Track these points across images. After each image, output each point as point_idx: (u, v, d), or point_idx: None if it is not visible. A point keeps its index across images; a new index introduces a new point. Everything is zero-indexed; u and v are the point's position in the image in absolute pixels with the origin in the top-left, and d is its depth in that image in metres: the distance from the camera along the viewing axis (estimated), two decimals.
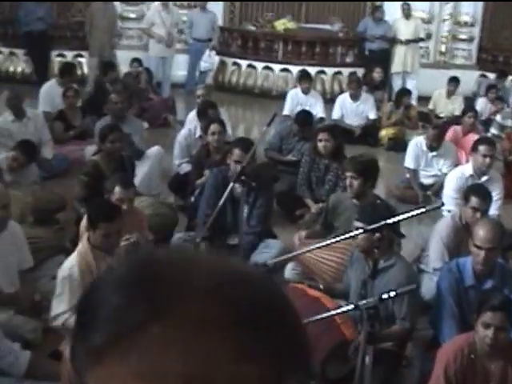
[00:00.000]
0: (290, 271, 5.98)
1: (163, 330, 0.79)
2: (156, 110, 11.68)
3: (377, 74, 12.78)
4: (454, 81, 12.64)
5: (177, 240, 6.25)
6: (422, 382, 4.50)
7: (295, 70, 14.40)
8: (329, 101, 12.47)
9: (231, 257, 0.93)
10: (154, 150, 8.31)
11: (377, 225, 3.86)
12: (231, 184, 5.13)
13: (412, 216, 3.71)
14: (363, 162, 6.09)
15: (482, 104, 12.32)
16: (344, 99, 11.43)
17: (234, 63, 15.15)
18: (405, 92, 11.86)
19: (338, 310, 3.79)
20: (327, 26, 15.56)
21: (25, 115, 8.49)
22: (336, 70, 14.88)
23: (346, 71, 14.85)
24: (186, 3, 15.07)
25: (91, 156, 7.15)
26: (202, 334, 0.79)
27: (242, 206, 5.28)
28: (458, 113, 11.98)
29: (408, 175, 8.78)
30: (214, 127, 7.45)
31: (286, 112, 11.12)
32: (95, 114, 9.73)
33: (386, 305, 4.52)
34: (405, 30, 14.18)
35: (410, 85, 13.89)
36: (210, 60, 14.05)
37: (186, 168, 8.09)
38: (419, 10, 15.22)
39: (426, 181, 8.67)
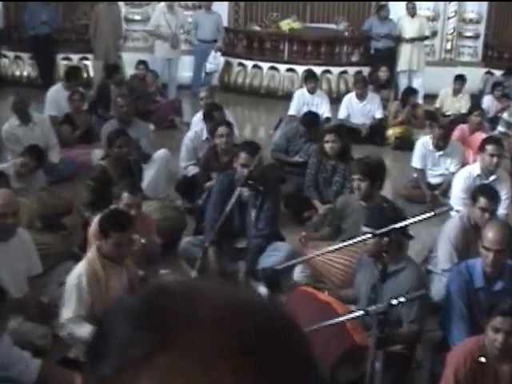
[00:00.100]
0: (298, 274, 5.97)
1: (169, 360, 0.80)
2: (162, 112, 11.69)
3: (382, 72, 12.78)
4: (460, 79, 12.61)
5: (185, 244, 6.24)
6: None
7: (301, 69, 14.40)
8: (335, 100, 12.47)
9: (238, 287, 0.94)
10: (160, 153, 8.31)
11: (385, 229, 3.85)
12: (238, 188, 5.13)
13: (421, 220, 3.70)
14: (370, 164, 6.09)
15: (488, 102, 12.29)
16: (350, 99, 11.42)
17: (240, 64, 15.15)
18: (411, 91, 11.84)
19: (348, 316, 3.78)
20: (332, 26, 15.58)
21: (31, 120, 8.50)
22: (342, 69, 14.86)
23: (351, 70, 14.84)
24: (190, 4, 15.07)
25: (98, 161, 7.15)
26: (207, 363, 0.79)
27: (250, 210, 5.27)
28: (464, 111, 11.97)
29: (415, 175, 8.77)
30: (221, 129, 7.45)
31: (292, 112, 11.11)
32: (99, 116, 9.76)
33: (395, 308, 4.50)
34: (410, 28, 14.16)
35: (415, 83, 13.87)
36: (215, 61, 14.05)
37: (192, 170, 8.09)
38: (424, 7, 15.22)
39: (434, 180, 8.65)
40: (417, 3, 14.32)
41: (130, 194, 5.51)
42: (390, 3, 14.67)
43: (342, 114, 11.35)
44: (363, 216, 5.40)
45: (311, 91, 11.23)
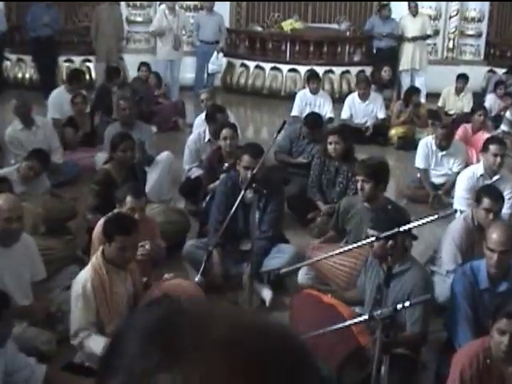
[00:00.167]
0: (303, 276, 5.96)
1: (173, 379, 0.81)
2: (165, 114, 11.70)
3: (385, 72, 12.78)
4: (463, 78, 12.60)
5: (189, 247, 6.24)
6: None
7: (303, 70, 14.42)
8: (337, 100, 12.49)
9: (249, 310, 0.94)
10: (163, 156, 8.32)
11: (389, 232, 3.85)
12: (242, 192, 5.12)
13: (425, 223, 3.70)
14: (374, 166, 6.08)
15: (490, 100, 12.28)
16: (353, 99, 11.40)
17: (242, 64, 15.16)
18: (414, 90, 11.82)
19: (354, 321, 3.78)
20: (334, 26, 15.58)
21: (34, 123, 8.50)
22: (344, 69, 14.86)
23: (354, 70, 14.85)
24: (192, 5, 15.08)
25: (102, 164, 7.14)
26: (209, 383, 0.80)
27: (254, 212, 5.26)
28: (467, 110, 11.96)
29: (419, 175, 8.77)
30: (225, 132, 7.44)
31: (294, 113, 11.12)
32: (101, 119, 9.78)
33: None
34: (412, 27, 14.15)
35: (418, 82, 13.88)
36: (217, 62, 14.04)
37: (196, 172, 8.09)
38: (426, 6, 15.21)
39: (437, 180, 8.65)
40: (419, 2, 14.32)
41: (134, 197, 5.50)
42: (392, 2, 14.66)
43: (344, 114, 11.34)
44: (368, 218, 5.40)
45: (314, 91, 11.22)
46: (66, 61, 14.52)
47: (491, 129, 10.67)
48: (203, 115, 8.92)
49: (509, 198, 6.81)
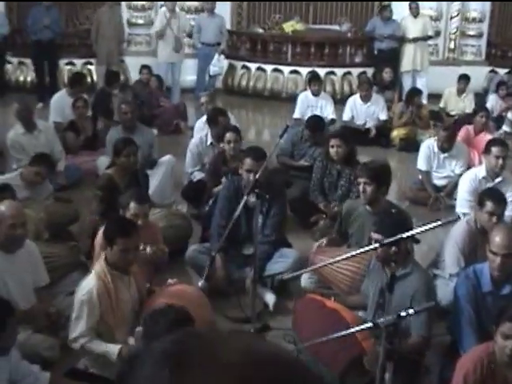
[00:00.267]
0: (306, 280, 5.97)
1: None
2: (167, 117, 11.69)
3: (386, 73, 12.78)
4: (464, 78, 12.60)
5: (192, 252, 6.24)
6: None
7: (305, 71, 14.42)
8: (339, 101, 12.49)
9: (262, 338, 0.96)
10: (166, 159, 8.33)
11: (393, 239, 3.85)
12: (245, 197, 5.12)
13: (428, 229, 3.70)
14: (376, 168, 6.08)
15: (492, 101, 12.29)
16: (354, 101, 11.41)
17: (243, 66, 15.16)
18: (415, 91, 11.81)
19: (357, 328, 3.78)
20: (335, 27, 15.57)
21: (36, 128, 8.49)
22: (345, 70, 14.85)
23: (355, 71, 14.85)
24: (193, 7, 15.08)
25: (105, 169, 7.14)
26: None
27: (257, 216, 5.26)
28: (469, 110, 11.98)
29: (421, 177, 8.77)
30: (229, 136, 7.44)
31: (296, 115, 11.13)
32: (102, 124, 9.79)
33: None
34: (413, 28, 14.14)
35: (419, 83, 13.88)
36: (219, 64, 14.03)
37: (198, 176, 8.10)
38: (427, 7, 15.19)
39: (439, 182, 8.65)
40: (420, 3, 14.30)
41: (137, 203, 5.52)
42: (393, 3, 14.68)
43: (346, 115, 11.35)
44: (370, 222, 5.41)
45: (315, 93, 11.23)
46: (67, 64, 14.52)
47: (493, 130, 10.67)
48: (204, 118, 8.93)
49: (511, 201, 6.80)
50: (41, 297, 5.11)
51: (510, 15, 16.40)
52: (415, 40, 14.14)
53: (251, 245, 5.71)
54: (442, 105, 12.80)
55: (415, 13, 14.14)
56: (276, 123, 12.96)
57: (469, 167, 8.31)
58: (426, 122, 11.35)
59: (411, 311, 3.28)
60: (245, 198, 5.10)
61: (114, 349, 4.51)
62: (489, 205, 5.58)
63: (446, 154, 8.56)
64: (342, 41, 15.18)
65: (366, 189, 5.93)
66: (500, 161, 7.17)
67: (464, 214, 6.58)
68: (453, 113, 12.57)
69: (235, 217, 5.15)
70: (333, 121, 11.02)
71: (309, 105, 11.16)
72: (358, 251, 4.09)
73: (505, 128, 11.47)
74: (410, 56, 14.16)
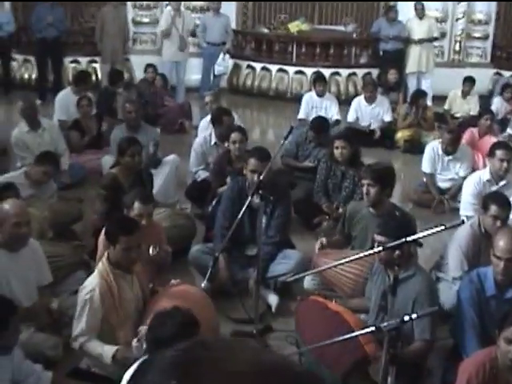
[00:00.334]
0: (309, 281, 5.97)
1: None
2: (172, 116, 11.69)
3: (391, 75, 12.75)
4: (469, 81, 12.57)
5: (195, 252, 6.24)
6: None
7: (309, 71, 14.41)
8: (344, 102, 12.47)
9: (271, 350, 0.97)
10: (170, 159, 8.33)
11: (396, 242, 3.85)
12: (249, 198, 5.12)
13: (432, 234, 3.69)
14: (380, 170, 6.08)
15: (497, 103, 12.27)
16: (359, 102, 11.39)
17: (249, 66, 15.15)
18: (420, 93, 11.79)
19: (360, 332, 3.77)
20: (341, 27, 15.54)
21: (40, 126, 8.50)
22: (350, 71, 14.84)
23: (360, 72, 14.84)
24: (198, 7, 15.08)
25: (109, 168, 7.13)
26: None
27: (260, 217, 5.26)
28: (473, 112, 11.97)
29: (425, 179, 8.76)
30: (234, 136, 7.44)
31: (301, 116, 11.12)
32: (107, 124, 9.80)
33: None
34: (419, 29, 14.12)
35: (424, 84, 13.86)
36: (224, 63, 14.02)
37: (202, 175, 8.10)
38: (433, 9, 15.15)
39: (443, 185, 8.65)
40: (425, 4, 14.27)
41: (142, 203, 5.52)
42: (399, 4, 14.67)
43: (350, 117, 11.34)
44: (374, 224, 5.40)
45: (320, 94, 11.21)
46: (72, 62, 14.53)
47: (498, 133, 10.65)
48: (208, 118, 8.93)
49: None
50: (44, 296, 5.11)
51: None
52: (421, 41, 14.12)
53: (255, 246, 5.71)
54: (446, 107, 12.78)
55: (421, 14, 14.11)
56: (280, 123, 12.96)
57: (473, 170, 8.31)
58: (430, 124, 11.34)
59: (414, 316, 3.27)
60: (249, 198, 5.10)
61: (108, 351, 4.51)
62: (493, 208, 5.57)
63: (450, 157, 8.55)
64: (348, 41, 15.15)
65: (369, 191, 5.91)
66: (504, 164, 7.16)
67: (468, 217, 6.56)
68: (457, 115, 12.56)
69: (239, 218, 5.15)
70: (337, 122, 10.99)
71: (313, 105, 11.15)
72: (362, 254, 4.08)
73: (509, 131, 11.43)
74: (415, 57, 14.15)
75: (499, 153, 7.22)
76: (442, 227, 3.65)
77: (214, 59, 13.83)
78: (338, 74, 14.69)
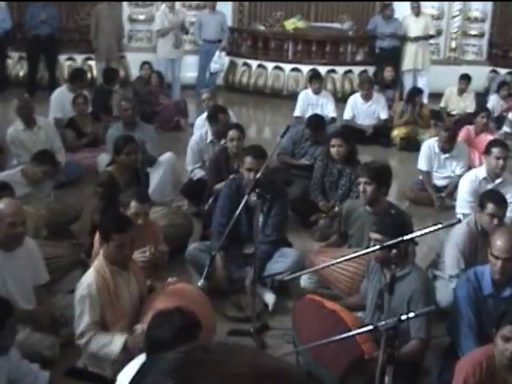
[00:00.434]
0: (305, 280, 5.97)
1: None
2: (167, 114, 11.67)
3: (388, 72, 12.76)
4: (465, 78, 12.58)
5: (192, 250, 6.23)
6: None
7: (306, 69, 14.41)
8: (340, 100, 12.47)
9: (270, 354, 0.97)
10: (166, 157, 8.31)
11: (393, 241, 3.85)
12: (246, 196, 5.12)
13: (428, 232, 3.69)
14: (377, 168, 6.08)
15: (493, 101, 12.29)
16: (355, 100, 11.39)
17: (244, 63, 15.15)
18: (416, 91, 11.79)
19: (357, 331, 3.77)
20: (337, 25, 15.54)
21: (36, 124, 8.49)
22: (346, 68, 14.85)
23: (356, 70, 14.85)
24: (194, 4, 15.06)
25: (105, 167, 7.12)
26: None
27: (257, 216, 5.26)
28: (469, 110, 11.97)
29: (421, 177, 8.76)
30: (232, 133, 7.44)
31: (297, 113, 11.11)
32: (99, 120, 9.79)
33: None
34: (415, 27, 14.11)
35: (420, 82, 13.86)
36: (220, 61, 14.03)
37: (198, 174, 8.09)
38: (429, 6, 15.19)
39: (439, 182, 8.65)
40: (421, 2, 14.28)
41: (138, 202, 5.52)
42: (395, 2, 14.64)
43: (347, 114, 11.33)
44: (370, 222, 5.40)
45: (316, 91, 11.20)
46: (67, 59, 14.52)
47: (494, 130, 10.66)
48: (204, 116, 8.92)
49: (511, 202, 6.80)
50: (40, 295, 5.09)
51: None
52: (417, 39, 14.11)
53: (252, 244, 5.70)
54: (442, 104, 12.78)
55: (417, 12, 14.11)
56: (277, 121, 12.96)
57: (469, 168, 8.31)
58: (426, 122, 11.34)
59: (412, 314, 3.27)
60: (246, 197, 5.09)
61: (118, 340, 4.50)
62: (490, 207, 5.58)
63: (446, 155, 8.55)
64: (344, 39, 15.14)
65: (366, 189, 5.92)
66: (500, 162, 7.16)
67: (464, 215, 6.57)
68: (454, 112, 12.57)
69: (236, 216, 5.15)
70: (333, 119, 10.99)
71: (309, 103, 11.14)
72: (360, 252, 4.07)
73: (505, 128, 11.45)
74: (411, 55, 14.14)
75: (495, 151, 7.21)
76: (439, 226, 3.65)
77: (209, 56, 13.83)
78: (334, 71, 14.69)
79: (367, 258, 5.14)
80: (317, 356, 4.47)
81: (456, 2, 15.60)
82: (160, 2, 14.49)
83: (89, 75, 13.71)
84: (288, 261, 6.02)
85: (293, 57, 14.95)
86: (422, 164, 8.66)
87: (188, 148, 8.35)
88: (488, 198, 5.70)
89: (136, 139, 7.18)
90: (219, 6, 14.19)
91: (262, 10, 15.93)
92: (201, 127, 8.83)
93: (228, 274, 6.03)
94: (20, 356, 4.26)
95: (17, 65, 14.59)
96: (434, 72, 14.19)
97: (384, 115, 11.33)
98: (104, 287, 4.62)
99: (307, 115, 9.87)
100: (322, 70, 13.77)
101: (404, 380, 4.54)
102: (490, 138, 8.81)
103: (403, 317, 3.26)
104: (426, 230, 3.72)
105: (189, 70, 14.34)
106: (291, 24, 15.03)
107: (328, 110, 11.03)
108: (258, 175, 5.23)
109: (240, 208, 5.12)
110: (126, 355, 4.28)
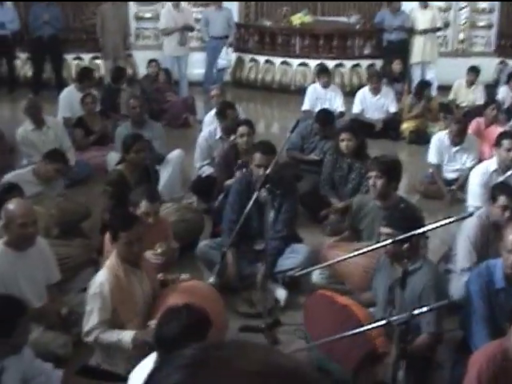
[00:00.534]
0: (317, 275, 5.95)
1: None
2: (175, 111, 11.67)
3: (396, 65, 12.74)
4: (474, 70, 12.51)
5: (203, 247, 6.23)
6: None
7: (313, 64, 14.39)
8: (348, 94, 12.44)
9: (283, 352, 0.97)
10: (175, 154, 8.31)
11: (405, 235, 3.83)
12: (256, 192, 5.11)
13: (440, 226, 3.68)
14: (387, 162, 6.07)
15: (503, 93, 12.22)
16: (364, 93, 11.37)
17: (252, 59, 15.15)
18: (425, 84, 11.77)
19: (370, 326, 3.76)
20: (344, 19, 15.51)
21: (45, 124, 8.52)
22: (354, 62, 14.82)
23: (364, 63, 14.83)
24: (200, 2, 15.05)
25: (115, 165, 7.12)
26: None
27: (268, 212, 5.25)
28: (479, 102, 11.91)
29: (431, 170, 8.73)
30: (242, 129, 7.44)
31: (305, 107, 11.11)
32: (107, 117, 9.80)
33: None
34: (422, 19, 14.07)
35: (429, 75, 13.83)
36: (227, 57, 14.02)
37: (207, 171, 8.09)
38: None
39: (450, 175, 8.62)
40: None
41: (149, 201, 5.52)
42: None
43: (356, 108, 11.31)
44: (380, 217, 5.39)
45: (324, 86, 11.19)
46: (75, 58, 14.57)
47: (504, 122, 10.60)
48: (212, 112, 8.93)
49: None
50: (52, 294, 5.11)
51: None
52: (424, 31, 14.06)
53: (262, 240, 5.68)
54: (451, 97, 12.72)
55: (424, 4, 14.07)
56: (285, 116, 12.95)
57: (479, 160, 8.28)
58: (435, 115, 11.31)
59: (425, 309, 3.26)
60: (256, 193, 5.09)
61: (127, 336, 4.51)
62: (502, 199, 5.55)
63: (457, 148, 8.52)
64: (351, 33, 15.11)
65: (376, 182, 5.91)
66: (511, 153, 7.13)
67: (475, 208, 6.54)
68: (463, 105, 12.50)
69: (246, 212, 5.14)
70: (342, 113, 10.98)
71: (318, 97, 11.13)
72: (374, 246, 4.06)
73: None
74: (419, 48, 14.10)
75: (506, 142, 7.18)
76: (451, 219, 3.63)
77: (216, 53, 13.82)
78: (341, 65, 14.67)
79: (379, 251, 5.13)
80: (329, 351, 4.46)
81: None
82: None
83: (96, 74, 13.72)
84: (299, 257, 6.01)
85: (300, 52, 14.93)
86: (433, 157, 8.63)
87: (197, 145, 8.34)
88: (499, 190, 5.68)
89: (145, 137, 7.19)
90: (225, 2, 14.17)
91: (269, 5, 15.91)
92: (210, 124, 8.83)
93: (239, 270, 6.02)
94: (33, 355, 4.28)
95: (24, 65, 14.63)
96: (443, 64, 14.16)
97: (393, 109, 11.30)
98: (117, 285, 4.62)
99: (316, 109, 9.86)
100: (330, 64, 13.76)
101: (416, 374, 4.52)
102: (500, 129, 8.75)
103: (416, 311, 3.25)
104: (438, 224, 3.70)
105: (196, 66, 14.35)
106: (298, 19, 15.00)
107: (336, 104, 11.02)
108: (267, 171, 5.22)
109: (250, 204, 5.11)
110: (139, 351, 4.28)
